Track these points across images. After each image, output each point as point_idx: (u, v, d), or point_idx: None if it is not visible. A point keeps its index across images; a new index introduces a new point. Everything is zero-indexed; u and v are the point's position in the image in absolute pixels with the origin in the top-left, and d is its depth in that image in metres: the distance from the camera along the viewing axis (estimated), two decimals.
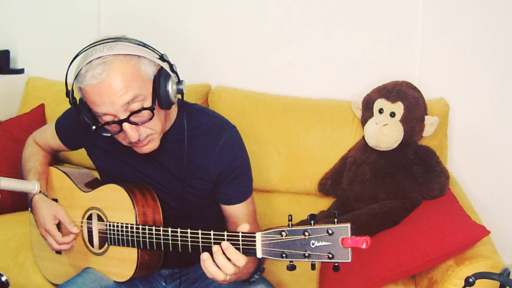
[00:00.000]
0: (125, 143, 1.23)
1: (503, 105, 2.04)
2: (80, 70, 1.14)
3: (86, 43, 1.20)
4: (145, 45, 1.21)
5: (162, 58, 1.21)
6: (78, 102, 1.21)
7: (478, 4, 1.98)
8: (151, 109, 1.17)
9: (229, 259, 1.08)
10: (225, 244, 1.08)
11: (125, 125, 1.16)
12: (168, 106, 1.21)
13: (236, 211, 1.36)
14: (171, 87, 1.19)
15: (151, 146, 1.24)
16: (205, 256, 1.10)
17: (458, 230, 1.42)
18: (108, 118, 1.17)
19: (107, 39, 1.17)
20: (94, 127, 1.18)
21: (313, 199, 2.02)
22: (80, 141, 1.46)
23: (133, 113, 1.15)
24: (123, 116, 1.16)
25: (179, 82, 1.22)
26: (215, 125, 1.34)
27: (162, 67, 1.21)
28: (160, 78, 1.19)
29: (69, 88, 1.19)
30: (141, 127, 1.19)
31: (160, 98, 1.19)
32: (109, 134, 1.21)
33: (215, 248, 1.09)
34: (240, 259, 1.08)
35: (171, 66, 1.22)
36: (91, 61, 1.12)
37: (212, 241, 1.13)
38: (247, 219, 1.37)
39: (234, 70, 2.29)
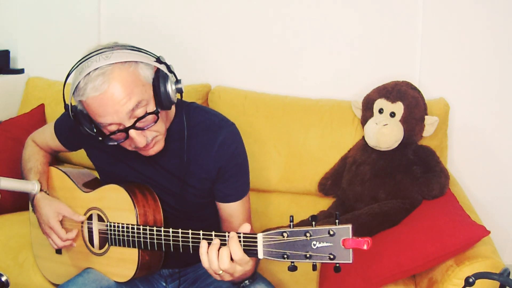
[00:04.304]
0: (130, 149, 1.23)
1: (503, 105, 2.04)
2: (79, 83, 1.12)
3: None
4: (139, 50, 1.20)
5: (158, 60, 1.21)
6: (76, 114, 1.20)
7: (478, 4, 1.98)
8: (156, 113, 1.17)
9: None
10: (232, 233, 1.09)
11: (132, 132, 1.16)
12: (169, 106, 1.21)
13: (231, 209, 1.36)
14: (170, 87, 1.19)
15: (157, 148, 1.24)
16: (204, 243, 1.11)
17: (458, 230, 1.42)
18: (113, 128, 1.16)
19: (101, 49, 1.16)
20: (100, 138, 1.18)
21: (313, 199, 2.02)
22: (79, 142, 1.46)
23: (138, 119, 1.15)
24: (128, 123, 1.15)
25: (177, 81, 1.22)
26: (214, 123, 1.34)
27: (158, 69, 1.20)
28: (159, 80, 1.18)
29: (67, 101, 1.19)
30: (146, 131, 1.19)
31: (161, 100, 1.18)
32: (115, 143, 1.20)
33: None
34: (238, 253, 1.08)
35: (168, 67, 1.22)
36: (89, 73, 1.11)
37: None
38: (242, 217, 1.37)
39: (234, 70, 2.29)
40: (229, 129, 1.34)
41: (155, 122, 1.18)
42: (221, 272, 1.10)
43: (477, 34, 2.01)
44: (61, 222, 1.39)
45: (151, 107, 1.18)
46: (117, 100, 1.12)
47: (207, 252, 1.10)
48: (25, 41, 2.60)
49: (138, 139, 1.17)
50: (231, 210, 1.36)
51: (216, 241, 1.11)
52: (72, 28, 2.47)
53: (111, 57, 1.13)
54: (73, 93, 1.15)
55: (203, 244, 1.11)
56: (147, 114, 1.16)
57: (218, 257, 1.09)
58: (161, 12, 2.34)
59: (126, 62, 1.14)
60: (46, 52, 2.56)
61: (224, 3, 2.26)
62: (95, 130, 1.19)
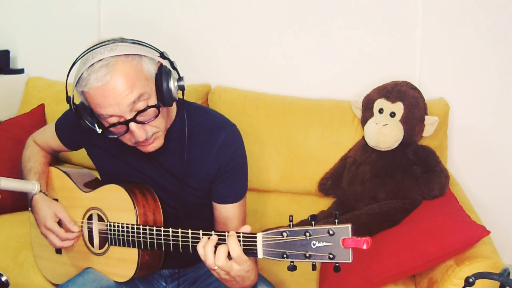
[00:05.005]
0: (130, 144, 1.23)
1: (503, 105, 2.04)
2: (82, 74, 1.13)
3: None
4: (144, 44, 1.21)
5: (162, 55, 1.21)
6: (78, 107, 1.21)
7: (478, 4, 1.99)
8: (157, 106, 1.18)
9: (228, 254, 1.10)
10: (231, 232, 1.10)
11: (132, 125, 1.16)
12: (170, 103, 1.21)
13: (227, 212, 1.36)
14: (173, 84, 1.20)
15: (156, 144, 1.24)
16: (205, 238, 1.12)
17: (458, 230, 1.42)
18: (113, 120, 1.17)
19: (106, 41, 1.17)
20: (100, 130, 1.18)
21: (313, 199, 2.02)
22: (80, 141, 1.46)
23: (139, 112, 1.16)
24: (129, 116, 1.15)
25: (180, 78, 1.23)
26: (214, 124, 1.34)
27: (162, 64, 1.21)
28: (162, 75, 1.19)
29: (70, 93, 1.19)
30: (147, 125, 1.19)
31: (163, 95, 1.19)
32: (115, 136, 1.21)
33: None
34: (236, 251, 1.08)
35: (171, 63, 1.22)
36: (93, 64, 1.12)
37: None
38: (237, 220, 1.37)
39: (234, 70, 2.29)
40: (230, 130, 1.34)
41: (156, 116, 1.19)
42: (216, 268, 1.10)
43: (477, 34, 2.01)
44: (59, 223, 1.39)
45: (153, 102, 1.18)
46: (118, 92, 1.12)
47: (204, 246, 1.11)
48: (25, 41, 2.60)
49: (138, 133, 1.17)
50: (227, 212, 1.36)
51: (214, 237, 1.12)
52: (72, 28, 2.48)
53: (115, 49, 1.14)
54: (76, 83, 1.16)
55: (203, 239, 1.12)
56: (148, 107, 1.16)
57: (215, 254, 1.09)
58: (161, 12, 2.34)
59: (130, 55, 1.15)
60: (46, 52, 2.56)
61: (224, 3, 2.26)
62: (94, 120, 1.19)
